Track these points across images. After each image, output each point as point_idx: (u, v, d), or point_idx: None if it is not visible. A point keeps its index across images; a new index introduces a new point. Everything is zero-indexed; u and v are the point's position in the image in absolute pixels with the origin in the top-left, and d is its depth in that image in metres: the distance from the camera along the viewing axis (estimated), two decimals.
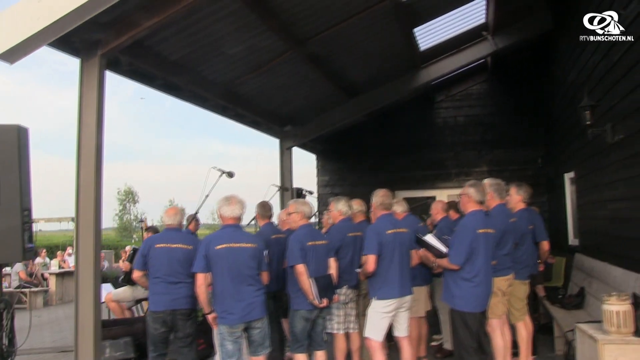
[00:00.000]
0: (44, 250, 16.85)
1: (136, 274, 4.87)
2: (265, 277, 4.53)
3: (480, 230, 4.47)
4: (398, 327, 4.96)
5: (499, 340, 4.96)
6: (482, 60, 10.32)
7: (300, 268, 4.64)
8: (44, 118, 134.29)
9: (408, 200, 7.10)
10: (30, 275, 14.07)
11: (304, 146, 11.39)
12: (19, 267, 13.53)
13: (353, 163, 11.91)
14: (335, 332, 5.29)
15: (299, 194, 9.75)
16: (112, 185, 55.56)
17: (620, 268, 5.45)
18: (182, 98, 6.99)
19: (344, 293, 5.23)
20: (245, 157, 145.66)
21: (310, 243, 4.73)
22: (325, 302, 4.69)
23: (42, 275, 14.63)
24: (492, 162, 11.07)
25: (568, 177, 8.56)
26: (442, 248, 4.61)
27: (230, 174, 5.87)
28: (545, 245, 5.84)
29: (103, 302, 6.55)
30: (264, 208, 5.87)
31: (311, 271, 4.69)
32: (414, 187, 11.24)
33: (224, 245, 4.25)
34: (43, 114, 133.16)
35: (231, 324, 4.20)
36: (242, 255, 4.27)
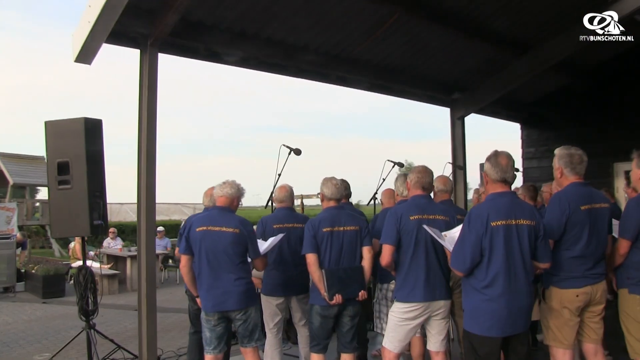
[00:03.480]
0: None
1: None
2: (258, 264, 4.17)
3: (497, 223, 3.19)
4: (430, 338, 3.97)
5: None
6: None
7: (310, 258, 4.06)
8: None
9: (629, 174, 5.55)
10: None
11: (497, 114, 10.01)
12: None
13: (561, 132, 9.90)
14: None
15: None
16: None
17: None
18: (291, 74, 6.80)
19: (392, 289, 4.42)
20: None
21: (326, 229, 4.10)
22: (337, 299, 3.97)
23: None
24: None
25: None
26: (448, 245, 3.49)
27: (297, 152, 5.51)
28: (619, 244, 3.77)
29: None
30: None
31: (328, 261, 4.08)
32: None
33: (202, 228, 4.01)
34: None
35: (205, 311, 4.01)
36: (220, 240, 3.96)
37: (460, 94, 8.75)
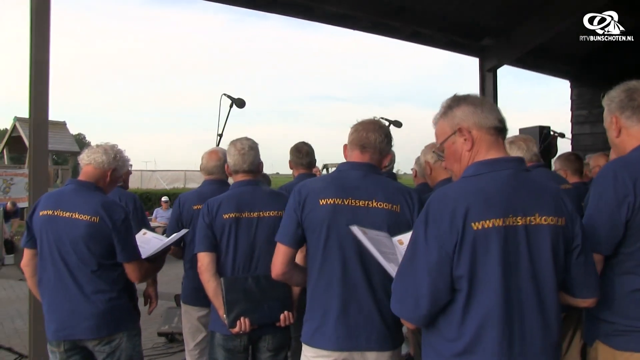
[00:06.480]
0: None
1: None
2: (131, 271, 2.72)
3: (485, 223, 1.57)
4: None
5: None
6: None
7: (203, 259, 2.71)
8: None
9: None
10: None
11: (539, 68, 8.30)
12: None
13: None
14: None
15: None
16: None
17: None
18: (263, 9, 5.35)
19: None
20: None
21: (229, 215, 2.72)
22: (242, 324, 2.62)
23: None
24: None
25: None
26: (387, 263, 1.90)
27: (240, 103, 4.08)
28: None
29: None
30: (298, 153, 3.96)
31: (232, 266, 2.74)
32: None
33: (46, 212, 2.68)
34: None
35: (49, 339, 2.70)
36: (70, 232, 2.61)
37: (491, 40, 7.04)
